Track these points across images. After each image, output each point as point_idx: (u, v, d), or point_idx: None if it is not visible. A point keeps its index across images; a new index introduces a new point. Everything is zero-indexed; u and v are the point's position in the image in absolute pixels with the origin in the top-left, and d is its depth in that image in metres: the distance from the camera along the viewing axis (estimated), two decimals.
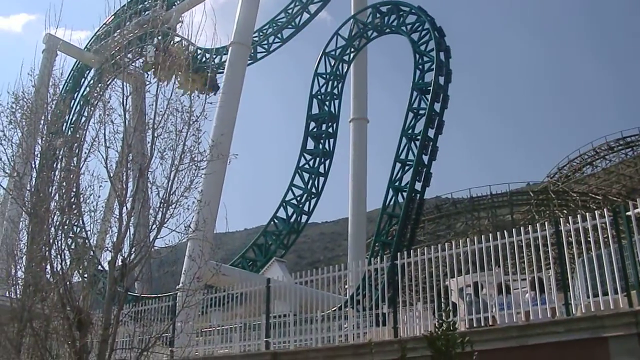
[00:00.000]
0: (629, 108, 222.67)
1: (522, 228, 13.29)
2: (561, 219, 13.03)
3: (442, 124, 37.92)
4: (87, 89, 56.73)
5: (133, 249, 12.45)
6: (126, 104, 12.96)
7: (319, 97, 45.09)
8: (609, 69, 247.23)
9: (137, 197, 12.58)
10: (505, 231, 13.52)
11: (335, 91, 45.36)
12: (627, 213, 11.63)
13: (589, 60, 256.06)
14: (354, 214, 44.13)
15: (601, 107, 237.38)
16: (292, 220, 43.38)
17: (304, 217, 43.94)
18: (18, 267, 14.74)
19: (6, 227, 16.69)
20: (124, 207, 12.34)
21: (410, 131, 37.90)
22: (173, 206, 12.36)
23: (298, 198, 43.67)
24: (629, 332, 10.76)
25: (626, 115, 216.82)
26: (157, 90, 12.79)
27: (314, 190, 43.62)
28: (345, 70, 46.31)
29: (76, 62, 57.09)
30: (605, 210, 12.45)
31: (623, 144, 68.48)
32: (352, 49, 46.16)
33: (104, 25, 58.60)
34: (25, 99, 14.87)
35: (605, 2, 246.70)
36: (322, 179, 43.91)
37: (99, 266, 14.86)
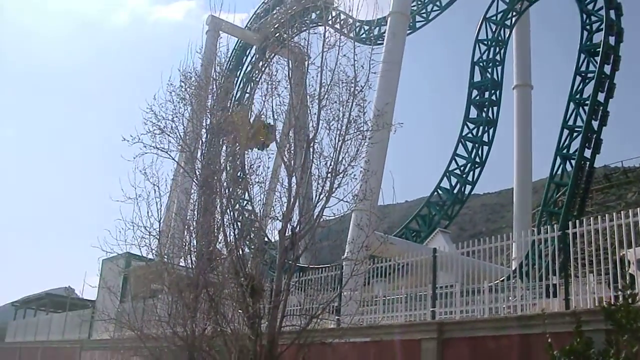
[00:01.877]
0: None
1: None
2: None
3: (613, 86, 36.10)
4: (249, 67, 58.80)
5: (302, 218, 12.76)
6: (292, 77, 13.22)
7: (481, 64, 44.06)
8: None
9: (304, 168, 12.85)
10: None
11: (498, 57, 44.15)
12: None
13: None
14: (519, 184, 43.08)
15: None
16: (455, 190, 42.87)
17: (468, 188, 43.31)
18: (193, 237, 15.53)
19: (180, 199, 17.58)
20: (293, 177, 12.63)
21: (578, 96, 36.42)
22: (340, 176, 12.53)
23: (462, 168, 43.04)
24: None
25: None
26: (322, 62, 12.95)
27: (477, 159, 42.82)
28: (507, 35, 44.96)
29: (237, 41, 59.15)
30: None
31: None
32: (514, 13, 44.70)
33: (263, 4, 60.30)
34: (194, 76, 15.53)
35: None
36: (486, 147, 42.99)
37: (265, 237, 15.39)
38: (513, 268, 25.22)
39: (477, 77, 44.02)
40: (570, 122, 36.30)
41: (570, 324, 8.62)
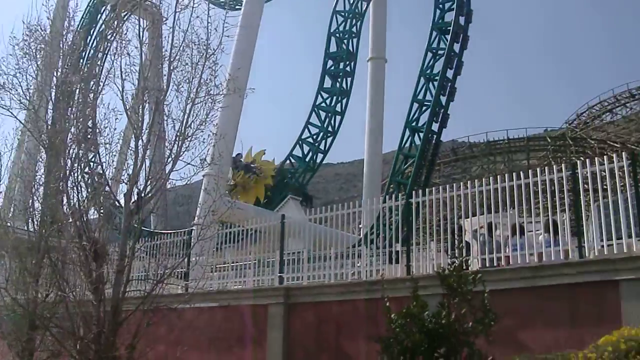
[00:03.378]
0: None
1: (538, 170, 13.21)
2: (578, 162, 12.95)
3: (461, 64, 37.61)
4: (103, 25, 56.59)
5: (148, 182, 12.52)
6: (142, 36, 12.87)
7: (338, 35, 44.59)
8: (632, 18, 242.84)
9: (153, 130, 12.60)
10: (522, 172, 13.45)
11: (354, 30, 44.82)
12: None
13: (611, 9, 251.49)
14: (369, 154, 44.05)
15: (624, 55, 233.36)
16: (307, 158, 43.39)
17: (320, 156, 43.94)
18: (35, 199, 14.91)
19: (23, 160, 16.80)
20: (140, 140, 12.36)
21: (428, 71, 37.64)
22: (189, 139, 12.37)
23: (314, 136, 43.59)
24: None
25: None
26: (173, 23, 12.67)
27: (330, 129, 43.50)
28: (364, 8, 45.66)
29: None
30: (623, 154, 12.34)
31: None
32: None
33: None
34: (40, 31, 14.77)
35: None
36: (338, 117, 43.75)
37: (115, 201, 15.06)
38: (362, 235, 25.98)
39: (333, 48, 44.52)
40: (420, 96, 37.49)
41: (410, 289, 8.99)
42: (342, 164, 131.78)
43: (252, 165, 41.19)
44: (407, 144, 37.86)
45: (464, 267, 8.58)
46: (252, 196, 40.89)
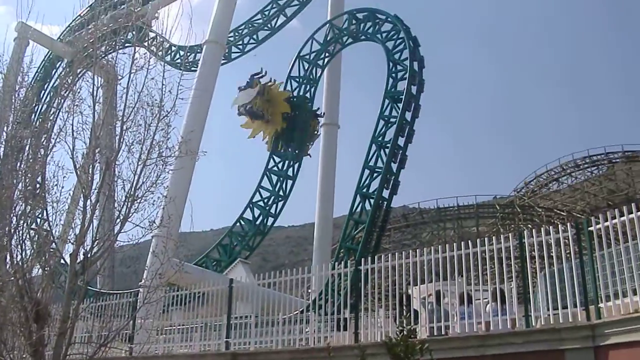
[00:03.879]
0: (596, 128, 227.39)
1: (486, 239, 13.37)
2: (525, 231, 13.16)
3: (413, 133, 38.02)
4: (58, 80, 56.16)
5: (95, 243, 12.28)
6: (96, 95, 12.79)
7: (292, 100, 44.96)
8: (577, 91, 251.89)
9: (102, 190, 12.42)
10: (469, 241, 13.59)
11: (308, 95, 45.29)
12: (590, 228, 11.78)
13: (557, 83, 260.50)
14: (320, 219, 44.12)
15: (569, 126, 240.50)
16: (258, 222, 43.20)
17: (271, 220, 43.78)
18: None
19: None
20: (89, 200, 12.17)
21: (380, 139, 37.94)
22: (138, 201, 12.21)
23: (265, 200, 43.48)
24: (585, 345, 10.91)
25: (593, 135, 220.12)
26: (128, 83, 12.64)
27: (281, 193, 43.49)
28: (318, 74, 46.20)
29: (48, 52, 56.45)
30: (568, 225, 12.58)
31: (589, 162, 69.31)
32: (327, 54, 46.07)
33: (78, 17, 58.00)
34: None
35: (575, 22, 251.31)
36: (290, 182, 43.81)
37: (61, 260, 14.70)
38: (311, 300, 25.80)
39: None
40: (372, 163, 37.72)
41: (358, 356, 8.94)
42: (293, 227, 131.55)
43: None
44: (358, 210, 37.89)
45: (412, 336, 8.58)
46: (277, 116, 43.24)
